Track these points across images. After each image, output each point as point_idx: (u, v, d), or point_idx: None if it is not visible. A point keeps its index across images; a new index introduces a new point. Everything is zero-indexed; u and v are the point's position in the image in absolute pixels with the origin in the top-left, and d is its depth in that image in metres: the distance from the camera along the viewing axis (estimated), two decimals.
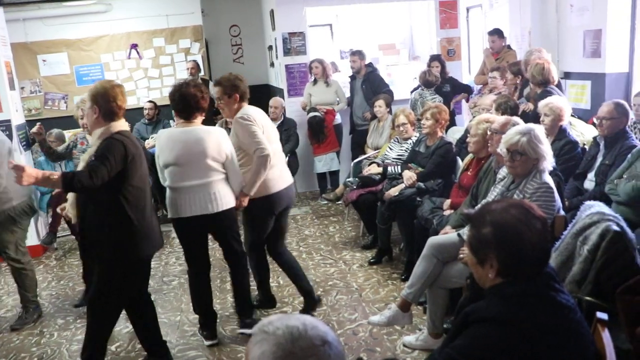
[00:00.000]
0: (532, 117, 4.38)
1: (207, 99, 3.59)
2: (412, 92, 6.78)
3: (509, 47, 6.35)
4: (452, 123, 6.29)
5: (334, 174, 6.97)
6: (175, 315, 4.19)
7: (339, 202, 6.33)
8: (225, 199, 3.55)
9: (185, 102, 3.48)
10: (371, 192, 4.99)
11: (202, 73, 8.24)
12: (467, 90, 6.90)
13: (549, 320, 1.60)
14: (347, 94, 7.05)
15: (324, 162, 6.84)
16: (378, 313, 3.68)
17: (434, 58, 6.79)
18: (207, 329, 3.77)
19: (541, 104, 4.13)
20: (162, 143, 3.54)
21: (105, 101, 3.04)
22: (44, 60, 8.60)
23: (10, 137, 5.46)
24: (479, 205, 3.12)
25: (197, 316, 4.11)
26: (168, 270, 5.13)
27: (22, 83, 8.02)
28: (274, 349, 1.16)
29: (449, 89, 6.64)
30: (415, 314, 3.62)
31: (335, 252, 5.19)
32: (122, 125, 3.13)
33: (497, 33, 6.37)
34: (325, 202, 6.74)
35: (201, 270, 3.75)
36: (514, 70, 5.44)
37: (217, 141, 3.51)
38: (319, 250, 5.29)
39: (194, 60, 8.17)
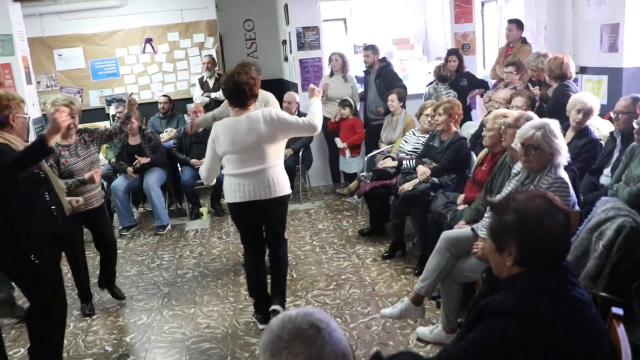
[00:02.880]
0: (548, 112, 4.34)
1: (259, 84, 3.65)
2: (427, 86, 6.76)
3: (524, 40, 6.26)
4: (468, 118, 6.24)
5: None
6: (189, 307, 4.22)
7: (353, 196, 6.34)
8: (280, 184, 3.63)
9: (240, 91, 3.51)
10: (384, 185, 4.99)
11: (217, 68, 8.26)
12: (483, 85, 6.86)
13: (563, 314, 1.60)
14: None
15: (357, 163, 6.69)
16: (390, 307, 3.68)
17: (452, 52, 6.75)
18: (262, 313, 3.82)
19: (573, 99, 4.06)
20: (218, 133, 3.57)
21: None
22: (59, 55, 8.69)
23: (27, 131, 5.53)
24: (501, 195, 3.13)
25: (210, 308, 4.17)
26: (182, 263, 5.17)
27: (38, 77, 8.11)
28: (267, 336, 1.25)
29: (466, 84, 6.61)
30: (428, 309, 3.62)
31: (348, 246, 5.20)
32: None
33: (515, 22, 6.24)
34: (339, 197, 6.72)
35: (256, 254, 3.85)
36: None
37: (272, 123, 3.52)
38: (332, 244, 5.30)
39: (210, 55, 8.19)
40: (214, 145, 3.59)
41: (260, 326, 3.80)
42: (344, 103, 6.54)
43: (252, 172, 3.53)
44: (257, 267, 3.85)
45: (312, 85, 3.97)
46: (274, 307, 3.78)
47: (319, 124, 3.64)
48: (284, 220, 3.87)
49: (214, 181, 3.95)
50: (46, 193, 3.20)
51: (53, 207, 3.22)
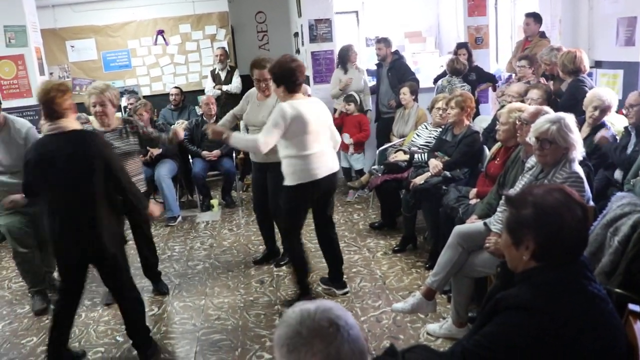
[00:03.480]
0: (562, 107, 4.29)
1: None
2: (435, 80, 6.70)
3: (543, 34, 6.18)
4: (477, 112, 6.18)
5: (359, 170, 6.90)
6: (199, 299, 4.24)
7: (364, 189, 6.32)
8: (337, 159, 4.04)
9: (294, 76, 3.70)
10: (396, 179, 4.98)
11: (229, 60, 8.25)
12: (492, 79, 6.80)
13: (580, 309, 1.58)
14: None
15: (360, 160, 6.65)
16: (402, 301, 3.67)
17: (461, 46, 6.70)
18: (337, 279, 4.14)
19: (591, 94, 4.01)
20: (298, 113, 3.66)
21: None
22: (72, 46, 8.71)
23: (39, 122, 5.55)
24: (515, 189, 3.10)
25: (220, 300, 4.18)
26: (193, 254, 5.18)
27: (51, 69, 8.13)
28: (285, 330, 1.23)
29: (474, 78, 6.55)
30: (439, 303, 3.60)
31: (359, 240, 5.19)
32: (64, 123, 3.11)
33: (533, 16, 6.15)
34: (354, 195, 6.66)
35: (300, 237, 4.04)
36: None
37: (328, 113, 4.01)
38: (343, 237, 5.28)
39: (223, 47, 8.18)
40: (290, 124, 3.64)
41: (340, 292, 4.13)
42: (348, 99, 6.49)
43: (327, 149, 3.87)
44: (304, 251, 4.06)
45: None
46: (347, 289, 4.18)
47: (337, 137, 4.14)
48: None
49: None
50: None
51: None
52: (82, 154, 3.04)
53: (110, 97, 3.92)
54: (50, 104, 3.03)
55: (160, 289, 4.41)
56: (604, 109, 3.89)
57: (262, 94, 4.47)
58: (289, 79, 3.71)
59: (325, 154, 3.83)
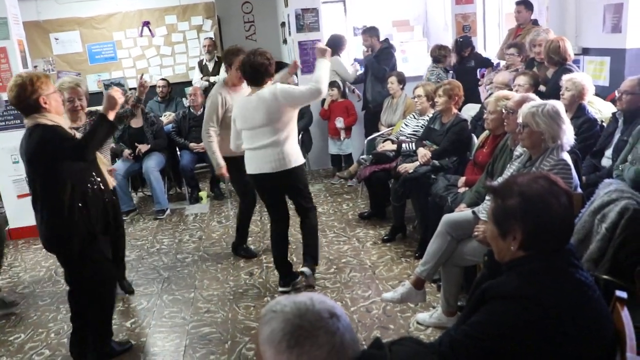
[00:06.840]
0: (548, 96, 4.29)
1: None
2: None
3: (535, 22, 6.15)
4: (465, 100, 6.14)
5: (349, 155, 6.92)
6: (189, 292, 4.21)
7: (353, 179, 6.30)
8: None
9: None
10: (384, 169, 4.96)
11: (216, 51, 8.17)
12: (487, 64, 6.74)
13: (567, 297, 1.58)
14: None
15: (351, 144, 6.78)
16: (391, 290, 3.67)
17: (467, 45, 6.59)
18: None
19: (565, 77, 4.03)
20: None
21: None
22: (56, 39, 8.61)
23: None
24: (502, 177, 3.10)
25: (210, 293, 4.16)
26: (182, 247, 5.15)
27: (35, 62, 8.03)
28: (282, 325, 1.18)
29: (472, 64, 6.51)
30: (429, 292, 3.61)
31: (348, 230, 5.18)
32: None
33: (524, 3, 6.10)
34: (339, 180, 6.68)
35: None
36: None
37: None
38: (332, 227, 5.28)
39: (211, 38, 8.11)
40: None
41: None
42: (331, 85, 6.46)
43: None
44: None
45: (319, 44, 3.87)
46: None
47: (323, 87, 3.57)
48: None
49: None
50: (93, 172, 3.19)
51: (101, 185, 3.22)
52: None
53: (85, 91, 3.96)
54: None
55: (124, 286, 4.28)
56: (575, 94, 3.89)
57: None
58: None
59: None
